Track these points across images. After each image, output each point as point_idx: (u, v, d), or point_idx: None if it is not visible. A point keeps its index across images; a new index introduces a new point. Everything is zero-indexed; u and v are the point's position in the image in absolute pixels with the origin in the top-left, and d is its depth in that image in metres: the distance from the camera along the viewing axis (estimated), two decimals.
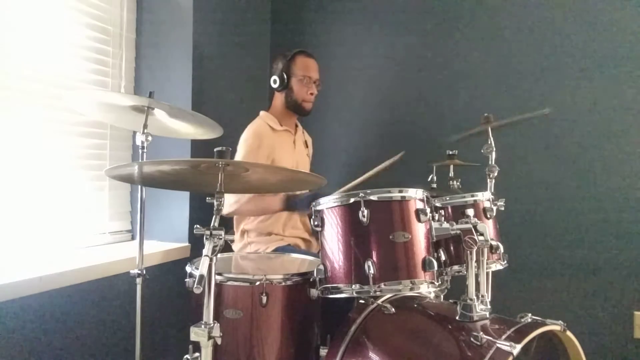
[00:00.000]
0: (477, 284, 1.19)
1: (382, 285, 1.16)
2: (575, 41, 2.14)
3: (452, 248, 1.36)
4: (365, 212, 1.18)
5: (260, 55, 2.67)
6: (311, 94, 1.98)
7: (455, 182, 1.81)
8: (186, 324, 1.05)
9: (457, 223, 1.21)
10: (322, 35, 2.65)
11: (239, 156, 1.84)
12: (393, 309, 1.28)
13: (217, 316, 1.19)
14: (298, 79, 1.96)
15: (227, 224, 1.98)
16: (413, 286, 1.18)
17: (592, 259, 2.10)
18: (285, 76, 1.95)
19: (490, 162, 1.60)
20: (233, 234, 2.00)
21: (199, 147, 1.99)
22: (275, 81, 1.97)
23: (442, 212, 1.34)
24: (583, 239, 2.11)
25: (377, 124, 2.52)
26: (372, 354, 1.21)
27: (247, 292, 1.23)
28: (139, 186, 1.48)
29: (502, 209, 1.47)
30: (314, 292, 1.26)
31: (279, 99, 2.03)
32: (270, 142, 1.92)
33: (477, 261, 1.18)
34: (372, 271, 1.15)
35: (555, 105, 2.15)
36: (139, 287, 1.46)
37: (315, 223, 1.27)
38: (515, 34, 2.24)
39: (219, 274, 1.24)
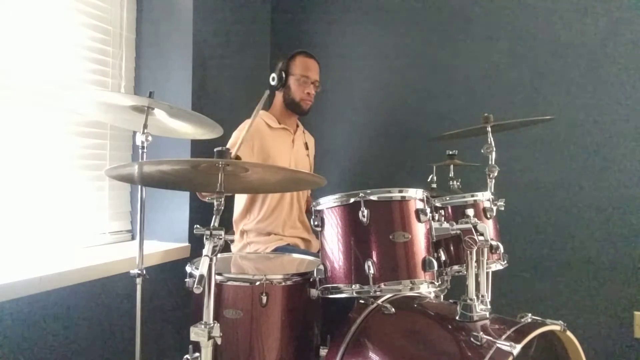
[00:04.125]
0: (477, 284, 1.19)
1: (382, 285, 1.16)
2: (576, 41, 2.14)
3: (452, 248, 1.36)
4: (365, 212, 1.18)
5: (260, 55, 2.67)
6: (308, 93, 1.99)
7: (455, 182, 1.81)
8: (186, 324, 1.05)
9: (457, 223, 1.21)
10: (322, 35, 2.65)
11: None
12: (393, 309, 1.28)
13: (217, 316, 1.19)
14: (296, 78, 1.96)
15: (227, 224, 1.98)
16: (413, 286, 1.18)
17: (592, 259, 2.09)
18: (283, 74, 1.96)
19: (490, 162, 1.60)
20: (233, 234, 2.00)
21: (199, 147, 2.00)
22: (273, 79, 1.98)
23: (442, 212, 1.34)
24: (583, 239, 2.11)
25: (377, 124, 2.52)
26: (372, 354, 1.21)
27: (247, 292, 1.23)
28: (139, 186, 1.48)
29: (502, 209, 1.47)
30: (314, 292, 1.27)
31: (278, 97, 2.03)
32: (264, 138, 1.93)
33: (477, 261, 1.18)
34: (372, 271, 1.15)
35: (556, 105, 2.16)
36: (139, 287, 1.46)
37: (315, 223, 1.27)
38: (516, 34, 2.24)
39: (219, 274, 1.23)
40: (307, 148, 2.15)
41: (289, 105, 2.00)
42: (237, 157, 1.57)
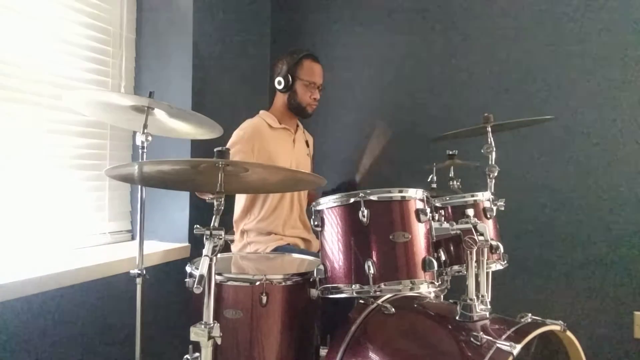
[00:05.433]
0: (477, 284, 1.19)
1: (382, 285, 1.16)
2: (577, 41, 2.14)
3: (452, 248, 1.35)
4: (365, 212, 1.18)
5: (260, 55, 2.67)
6: (314, 98, 1.99)
7: (455, 182, 1.80)
8: (186, 324, 1.05)
9: (457, 223, 1.21)
10: (322, 35, 2.65)
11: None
12: (393, 309, 1.28)
13: (217, 316, 1.19)
14: (303, 84, 1.95)
15: (227, 224, 1.98)
16: (413, 286, 1.18)
17: (593, 259, 2.09)
18: (290, 78, 1.95)
19: (490, 162, 1.60)
20: (233, 234, 2.00)
21: (199, 147, 1.99)
22: (280, 82, 1.96)
23: (442, 212, 1.34)
24: (583, 239, 2.11)
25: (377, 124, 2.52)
26: (372, 354, 1.21)
27: (247, 292, 1.23)
28: (139, 186, 1.48)
29: (502, 209, 1.47)
30: (314, 292, 1.26)
31: (280, 99, 2.02)
32: (265, 138, 1.92)
33: (477, 261, 1.18)
34: (372, 271, 1.15)
35: (556, 105, 2.16)
36: (139, 287, 1.46)
37: (315, 223, 1.27)
38: (516, 34, 2.24)
39: (219, 274, 1.23)
40: (307, 146, 2.15)
41: (294, 109, 2.00)
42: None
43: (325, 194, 1.64)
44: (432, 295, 1.47)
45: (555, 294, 2.15)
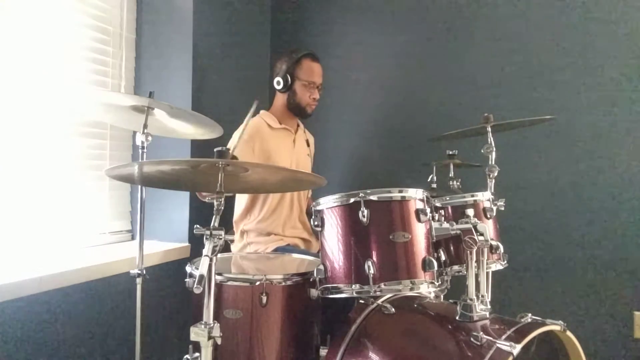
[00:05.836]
0: (477, 284, 1.19)
1: (382, 285, 1.16)
2: (576, 41, 2.14)
3: (452, 248, 1.35)
4: (365, 212, 1.18)
5: (260, 55, 2.67)
6: (314, 98, 1.98)
7: (455, 182, 1.80)
8: (186, 324, 1.05)
9: (457, 223, 1.21)
10: (322, 35, 2.64)
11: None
12: (393, 309, 1.28)
13: (217, 316, 1.19)
14: (302, 84, 1.95)
15: (227, 224, 1.98)
16: (413, 286, 1.18)
17: (592, 258, 2.09)
18: (289, 78, 1.95)
19: (490, 162, 1.60)
20: (233, 234, 2.00)
21: (199, 147, 1.99)
22: (278, 83, 1.96)
23: (442, 212, 1.34)
24: (583, 239, 2.11)
25: (377, 124, 2.52)
26: (372, 354, 1.21)
27: (247, 292, 1.23)
28: (139, 186, 1.48)
29: (502, 209, 1.47)
30: (314, 292, 1.27)
31: (280, 99, 2.02)
32: (265, 138, 1.92)
33: (477, 261, 1.18)
34: (372, 271, 1.15)
35: (556, 105, 2.16)
36: (139, 287, 1.46)
37: (315, 223, 1.27)
38: (515, 34, 2.24)
39: (219, 274, 1.24)
40: (308, 145, 2.15)
41: (294, 109, 2.00)
42: (234, 157, 1.57)
43: None
44: (432, 295, 1.47)
45: (555, 294, 2.15)
